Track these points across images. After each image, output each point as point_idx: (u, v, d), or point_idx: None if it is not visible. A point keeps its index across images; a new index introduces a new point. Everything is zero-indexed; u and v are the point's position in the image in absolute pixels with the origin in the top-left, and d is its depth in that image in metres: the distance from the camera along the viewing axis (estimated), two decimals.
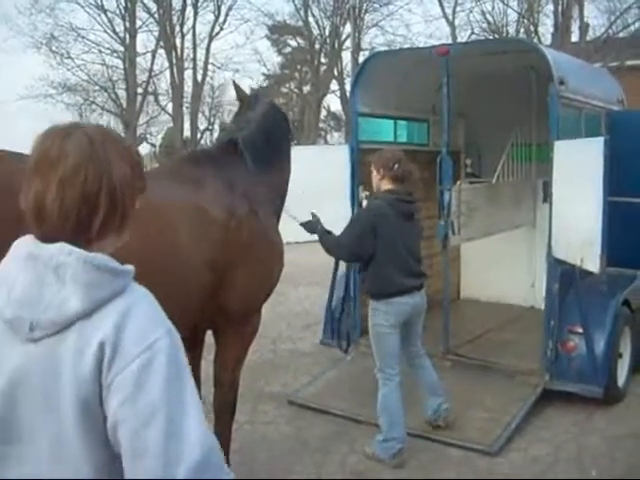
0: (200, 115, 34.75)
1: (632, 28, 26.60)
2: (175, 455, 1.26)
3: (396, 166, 4.57)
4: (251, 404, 5.63)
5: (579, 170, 5.09)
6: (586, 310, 5.48)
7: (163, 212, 3.32)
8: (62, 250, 1.37)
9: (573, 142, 5.38)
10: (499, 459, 4.71)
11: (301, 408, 5.60)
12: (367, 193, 6.26)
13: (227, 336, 4.03)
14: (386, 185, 4.62)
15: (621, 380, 5.74)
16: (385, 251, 4.47)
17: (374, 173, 4.68)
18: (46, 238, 1.41)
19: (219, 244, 3.64)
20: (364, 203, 6.26)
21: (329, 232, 4.74)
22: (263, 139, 4.30)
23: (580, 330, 5.46)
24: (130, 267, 1.44)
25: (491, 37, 27.64)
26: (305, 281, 10.13)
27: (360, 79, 6.50)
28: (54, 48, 29.80)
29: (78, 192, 1.40)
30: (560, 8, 26.25)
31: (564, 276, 5.51)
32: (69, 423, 1.33)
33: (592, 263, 4.90)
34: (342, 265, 6.27)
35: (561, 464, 4.68)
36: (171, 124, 33.75)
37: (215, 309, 3.79)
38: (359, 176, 6.22)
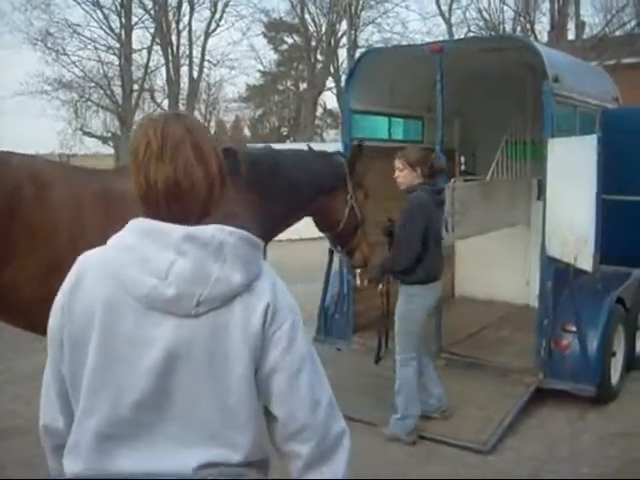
0: (196, 112, 34.69)
1: (628, 26, 26.63)
2: (318, 396, 1.57)
3: (429, 163, 4.89)
4: None
5: (573, 168, 5.08)
6: (580, 308, 5.47)
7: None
8: (222, 230, 1.51)
9: (567, 140, 5.37)
10: (492, 457, 4.70)
11: None
12: None
13: None
14: (421, 180, 4.86)
15: (614, 379, 5.73)
16: (429, 239, 4.75)
17: (407, 170, 4.84)
18: (172, 218, 1.51)
19: None
20: None
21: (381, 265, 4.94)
22: (270, 165, 4.34)
23: (574, 328, 5.45)
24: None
25: (487, 35, 27.57)
26: (299, 278, 10.06)
27: (354, 76, 6.48)
28: (49, 44, 29.65)
29: (203, 170, 1.55)
30: (556, 6, 26.25)
31: (558, 274, 5.49)
32: (240, 383, 1.51)
33: (585, 261, 4.89)
34: (335, 262, 6.24)
35: (554, 463, 4.67)
36: None
37: None
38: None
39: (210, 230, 1.51)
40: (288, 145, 20.96)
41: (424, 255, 4.74)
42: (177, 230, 1.49)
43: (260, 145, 5.08)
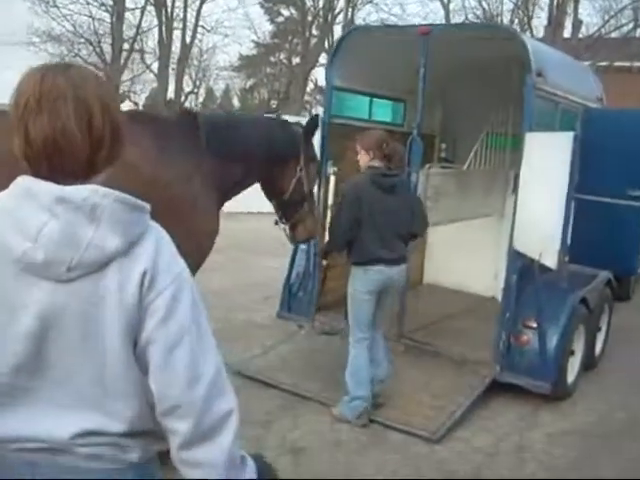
0: (186, 77, 34.31)
1: (625, 29, 26.64)
2: (198, 371, 1.47)
3: (384, 145, 4.83)
4: None
5: (547, 163, 5.03)
6: (542, 305, 5.45)
7: None
8: (96, 192, 1.42)
9: (544, 135, 5.32)
10: (440, 447, 4.69)
11: (249, 380, 5.53)
12: (335, 169, 6.17)
13: None
14: (374, 163, 4.84)
15: (571, 377, 5.74)
16: (366, 223, 4.72)
17: (362, 154, 4.88)
18: (54, 177, 1.43)
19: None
20: (332, 179, 6.18)
21: None
22: (231, 128, 4.29)
23: (534, 325, 5.44)
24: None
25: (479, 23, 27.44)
26: (269, 252, 10.01)
27: (339, 52, 6.36)
28: None
29: (86, 127, 1.44)
30: (555, 2, 26.13)
31: (524, 269, 5.47)
32: (115, 353, 1.45)
33: (550, 258, 4.86)
34: None
35: (501, 456, 4.68)
36: (155, 84, 33.25)
37: None
38: (328, 151, 6.10)
39: (84, 192, 1.42)
40: None
41: (358, 236, 4.75)
42: (50, 191, 1.42)
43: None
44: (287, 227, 4.90)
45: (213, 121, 4.30)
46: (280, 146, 4.53)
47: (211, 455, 1.49)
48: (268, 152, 4.45)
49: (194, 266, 4.05)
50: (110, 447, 1.51)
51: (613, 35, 26.64)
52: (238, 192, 4.51)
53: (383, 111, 7.47)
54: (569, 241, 5.53)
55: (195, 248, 3.97)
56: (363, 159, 4.90)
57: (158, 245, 1.49)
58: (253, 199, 5.23)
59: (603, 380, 6.27)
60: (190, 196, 3.91)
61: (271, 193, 4.77)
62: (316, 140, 5.89)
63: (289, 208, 4.77)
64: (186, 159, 3.93)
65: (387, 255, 4.77)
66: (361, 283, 4.81)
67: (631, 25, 26.79)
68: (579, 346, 5.93)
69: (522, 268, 5.48)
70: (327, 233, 5.10)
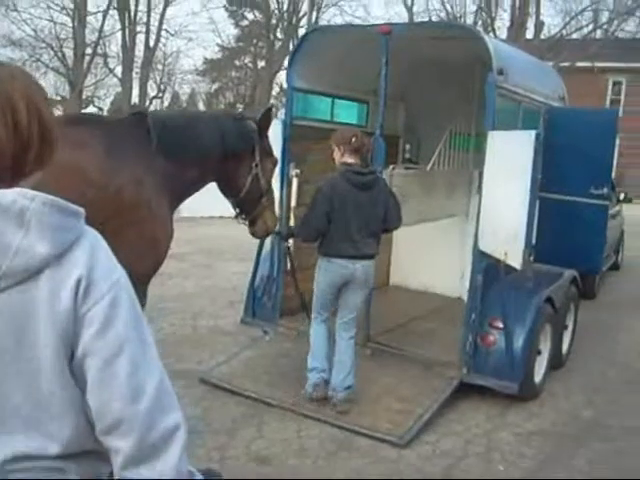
0: (150, 82, 34.02)
1: (585, 30, 27.07)
2: (141, 384, 1.36)
3: (353, 139, 4.91)
4: None
5: (510, 162, 5.00)
6: (508, 305, 5.42)
7: None
8: (24, 195, 1.32)
9: (506, 133, 5.29)
10: (407, 451, 4.61)
11: (213, 388, 5.41)
12: (298, 171, 6.08)
13: None
14: (346, 159, 4.95)
15: (538, 377, 5.72)
16: (338, 219, 4.84)
17: (335, 151, 5.01)
18: None
19: (94, 206, 3.44)
20: (294, 181, 6.09)
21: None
22: (183, 126, 4.17)
23: (501, 325, 5.40)
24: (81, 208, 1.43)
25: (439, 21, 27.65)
26: (235, 256, 9.91)
27: (299, 53, 6.27)
28: None
29: (12, 126, 1.35)
30: (517, 3, 26.43)
31: (489, 269, 5.43)
32: (49, 367, 1.35)
33: (515, 258, 4.83)
34: (267, 244, 6.08)
35: (470, 459, 4.62)
36: (119, 88, 32.91)
37: None
38: (290, 153, 6.01)
39: (11, 194, 1.31)
40: None
41: (329, 231, 4.87)
42: None
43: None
44: (246, 223, 4.80)
45: (164, 121, 4.15)
46: (234, 142, 4.39)
47: (156, 473, 1.37)
48: (222, 150, 4.31)
49: (150, 272, 3.93)
50: (47, 471, 1.39)
51: (574, 36, 27.04)
52: (193, 193, 4.38)
53: (346, 112, 7.40)
54: (534, 240, 5.51)
55: (150, 253, 3.85)
56: (336, 156, 5.01)
57: (94, 251, 1.39)
58: (216, 203, 5.11)
59: (570, 379, 6.26)
60: (142, 200, 3.78)
61: (227, 191, 4.65)
62: (278, 141, 5.82)
63: (246, 205, 4.66)
64: (136, 162, 3.79)
65: (354, 252, 4.88)
66: (324, 275, 4.98)
67: (591, 26, 27.25)
68: (546, 345, 5.91)
69: (487, 268, 5.44)
70: (295, 223, 5.36)
